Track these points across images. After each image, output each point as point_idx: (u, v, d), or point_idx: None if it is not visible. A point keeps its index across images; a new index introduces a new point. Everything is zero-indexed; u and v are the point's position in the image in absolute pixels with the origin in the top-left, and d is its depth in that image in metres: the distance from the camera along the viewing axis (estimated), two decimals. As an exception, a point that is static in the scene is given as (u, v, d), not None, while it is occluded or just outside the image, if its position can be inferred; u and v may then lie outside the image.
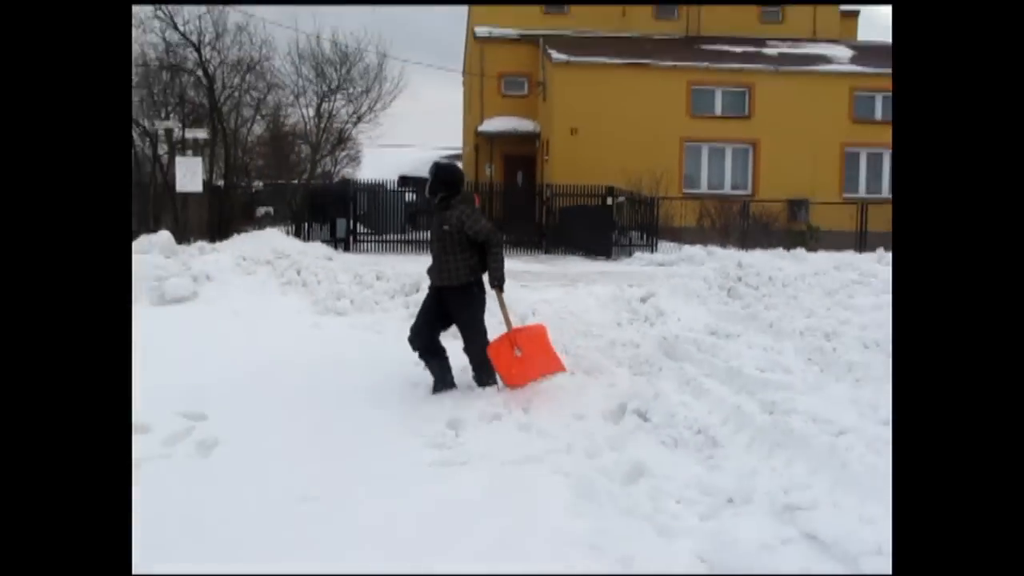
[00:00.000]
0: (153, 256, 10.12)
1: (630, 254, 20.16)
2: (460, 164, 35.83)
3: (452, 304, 6.88)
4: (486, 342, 6.86)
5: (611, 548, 4.01)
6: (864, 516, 4.39)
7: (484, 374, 6.92)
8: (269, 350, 7.68)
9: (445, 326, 7.02)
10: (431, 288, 7.11)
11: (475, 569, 3.89)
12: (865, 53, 31.02)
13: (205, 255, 10.62)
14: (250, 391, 6.67)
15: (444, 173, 7.08)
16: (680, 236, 22.37)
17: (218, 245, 12.06)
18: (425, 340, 6.92)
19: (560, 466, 5.11)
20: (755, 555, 3.97)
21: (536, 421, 5.99)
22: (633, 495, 4.70)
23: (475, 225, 6.76)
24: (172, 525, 4.38)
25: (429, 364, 6.95)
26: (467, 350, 6.96)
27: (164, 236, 11.02)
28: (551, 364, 6.98)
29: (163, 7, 24.09)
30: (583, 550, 4.00)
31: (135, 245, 11.02)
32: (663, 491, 4.73)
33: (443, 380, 6.87)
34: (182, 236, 14.97)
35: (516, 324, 8.50)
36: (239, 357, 7.53)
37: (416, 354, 6.98)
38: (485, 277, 6.93)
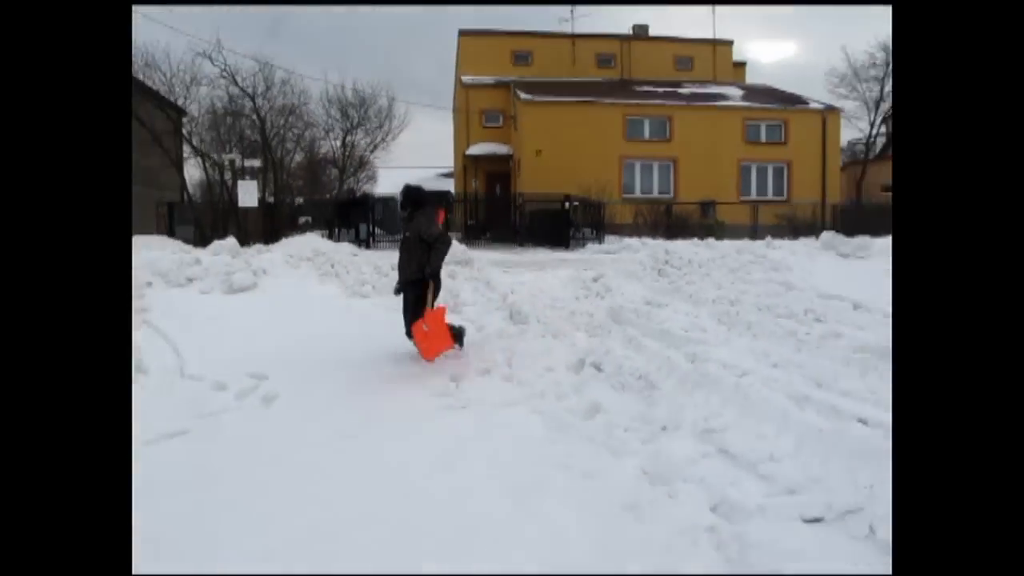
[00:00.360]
0: (223, 256, 10.01)
1: (584, 246, 20.10)
2: (452, 180, 35.73)
3: (410, 293, 6.78)
4: None
5: (577, 465, 4.04)
6: (760, 434, 4.46)
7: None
8: (312, 325, 7.66)
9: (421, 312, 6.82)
10: (399, 284, 6.97)
11: (474, 477, 3.92)
12: (752, 93, 31.07)
13: (261, 254, 10.50)
14: (300, 356, 6.64)
15: (412, 193, 6.95)
16: (621, 231, 22.39)
17: (271, 247, 11.94)
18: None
19: (536, 407, 5.14)
20: (683, 466, 4.01)
21: (517, 373, 6.00)
22: (592, 427, 4.73)
23: (428, 230, 6.64)
24: (247, 458, 4.39)
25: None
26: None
27: (231, 241, 10.91)
28: (447, 341, 6.71)
29: (227, 69, 23.81)
30: (555, 467, 4.02)
31: (211, 248, 10.91)
32: (614, 423, 4.76)
33: None
34: (244, 241, 14.82)
35: (496, 299, 8.51)
36: (290, 331, 7.49)
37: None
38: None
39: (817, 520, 3.38)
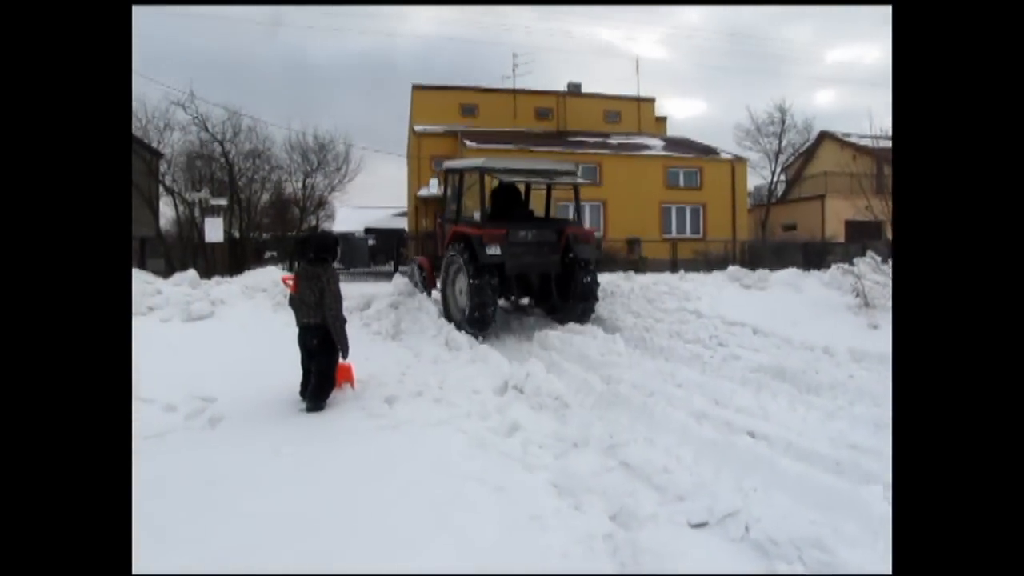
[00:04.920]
0: (183, 287, 9.71)
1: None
2: (406, 219, 35.60)
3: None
4: None
5: (492, 480, 3.97)
6: (659, 448, 4.47)
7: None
8: (262, 351, 7.42)
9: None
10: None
11: (397, 490, 3.83)
12: (671, 143, 31.83)
13: (220, 286, 10.21)
14: (248, 380, 6.43)
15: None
16: (555, 265, 22.43)
17: (232, 279, 11.64)
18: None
19: (461, 426, 5.04)
20: (589, 479, 3.98)
21: (447, 395, 5.88)
22: (510, 444, 4.65)
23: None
24: (190, 472, 4.24)
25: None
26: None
27: (191, 273, 10.57)
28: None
29: (198, 116, 23.43)
30: (472, 481, 3.95)
31: (172, 279, 10.59)
32: (530, 440, 4.69)
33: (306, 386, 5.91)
34: (210, 274, 14.45)
35: (433, 329, 8.38)
36: (241, 356, 7.27)
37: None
38: None
39: (702, 524, 3.39)
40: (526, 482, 3.97)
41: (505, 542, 3.24)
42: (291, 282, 6.19)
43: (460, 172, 10.32)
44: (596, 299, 9.84)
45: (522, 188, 10.81)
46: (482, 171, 9.61)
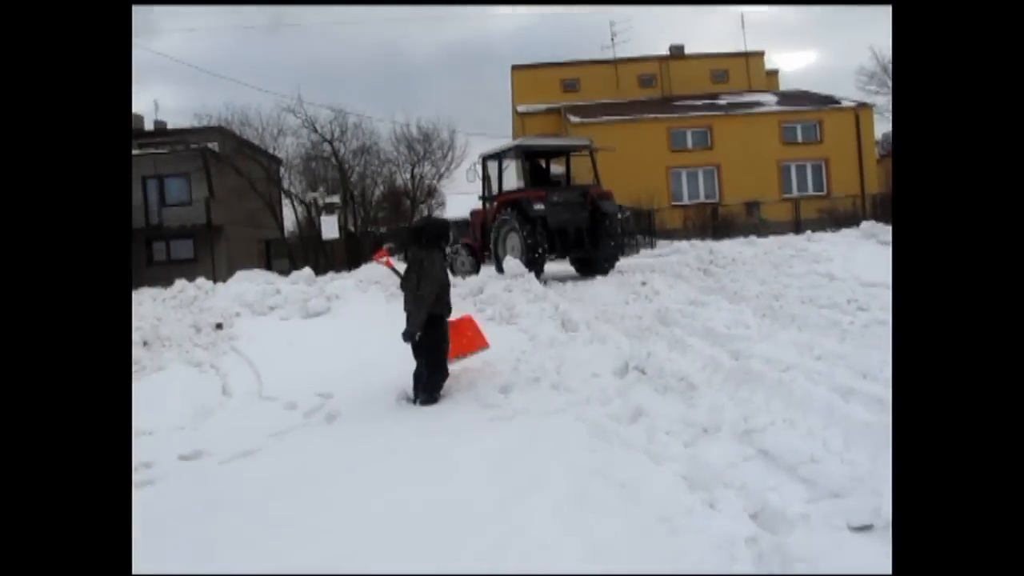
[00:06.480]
0: (300, 285, 9.92)
1: (637, 251, 19.50)
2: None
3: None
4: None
5: (615, 475, 3.63)
6: (802, 432, 3.95)
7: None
8: (376, 343, 7.32)
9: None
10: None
11: (517, 488, 3.58)
12: (785, 98, 30.00)
13: (335, 281, 10.36)
14: (362, 374, 6.41)
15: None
16: (671, 235, 21.73)
17: (350, 274, 11.87)
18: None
19: (580, 414, 4.71)
20: (723, 471, 3.55)
21: (564, 381, 5.53)
22: (633, 432, 4.28)
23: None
24: (310, 471, 4.24)
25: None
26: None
27: (307, 271, 10.83)
28: (475, 342, 6.22)
29: (307, 119, 24.25)
30: (593, 477, 3.63)
31: (290, 277, 10.88)
32: (655, 427, 4.29)
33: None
34: (328, 269, 14.89)
35: (549, 309, 8.12)
36: (357, 352, 7.24)
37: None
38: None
39: (866, 528, 2.89)
40: (653, 476, 3.58)
41: (634, 546, 2.90)
42: (384, 258, 6.17)
43: (498, 155, 12.64)
44: (622, 244, 12.45)
45: (542, 163, 13.25)
46: (521, 148, 12.26)
